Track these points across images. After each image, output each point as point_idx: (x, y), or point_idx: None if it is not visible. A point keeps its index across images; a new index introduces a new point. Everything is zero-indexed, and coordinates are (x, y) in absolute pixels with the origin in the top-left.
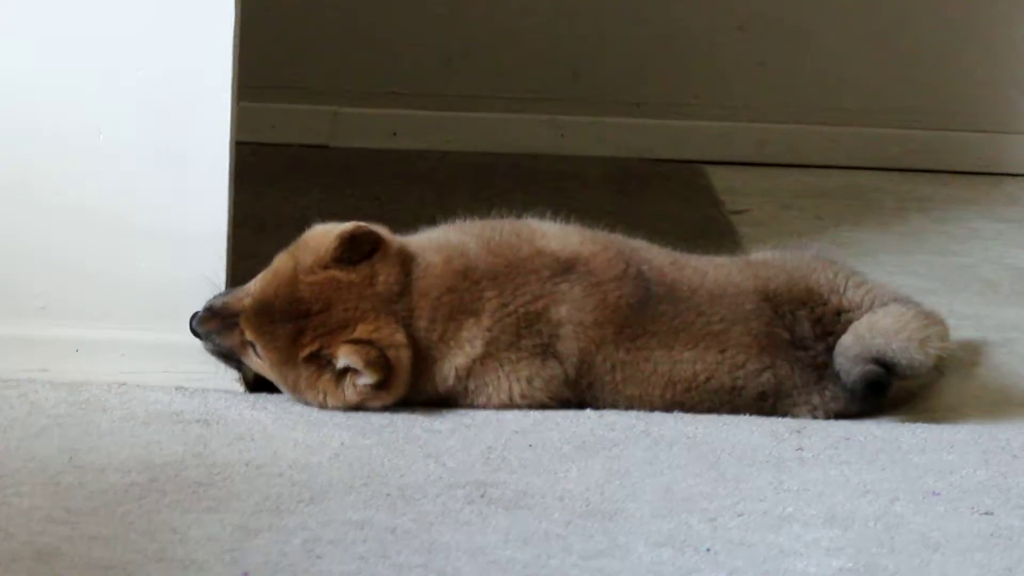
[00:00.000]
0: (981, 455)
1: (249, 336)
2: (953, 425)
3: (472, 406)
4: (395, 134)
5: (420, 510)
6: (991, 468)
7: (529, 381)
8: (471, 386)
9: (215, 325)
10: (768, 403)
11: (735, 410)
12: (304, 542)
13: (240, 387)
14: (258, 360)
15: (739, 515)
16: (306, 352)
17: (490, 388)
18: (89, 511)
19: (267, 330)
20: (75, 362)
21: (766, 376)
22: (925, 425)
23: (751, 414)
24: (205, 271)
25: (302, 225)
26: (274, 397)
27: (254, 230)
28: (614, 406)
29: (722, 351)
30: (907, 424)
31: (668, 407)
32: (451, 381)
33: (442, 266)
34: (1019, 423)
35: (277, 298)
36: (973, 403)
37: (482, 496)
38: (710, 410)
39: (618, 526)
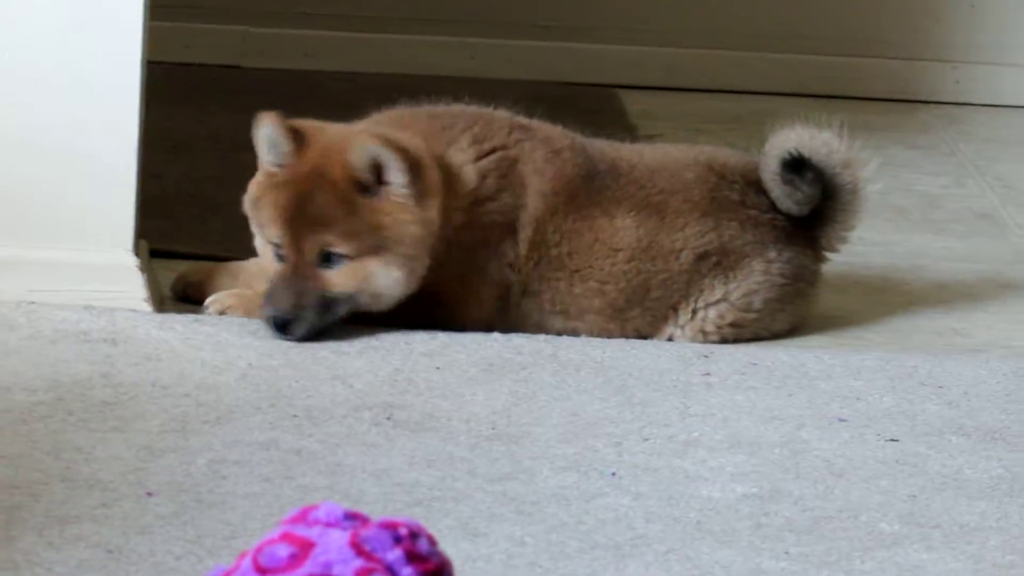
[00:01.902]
0: (888, 382)
1: (312, 240)
2: (860, 352)
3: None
4: (306, 55)
5: (326, 432)
6: (897, 395)
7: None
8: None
9: (291, 298)
10: (710, 262)
11: (672, 277)
12: (209, 463)
13: (148, 306)
14: (341, 253)
15: (645, 440)
16: (347, 183)
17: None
18: None
19: (309, 222)
20: None
21: (709, 237)
22: (832, 351)
23: (690, 278)
24: (114, 190)
25: (213, 145)
26: (182, 317)
27: (164, 150)
28: (553, 294)
29: (662, 218)
30: (814, 350)
31: (608, 284)
32: (474, 182)
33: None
34: (926, 351)
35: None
36: (880, 330)
37: (388, 418)
38: (646, 284)
39: (524, 450)
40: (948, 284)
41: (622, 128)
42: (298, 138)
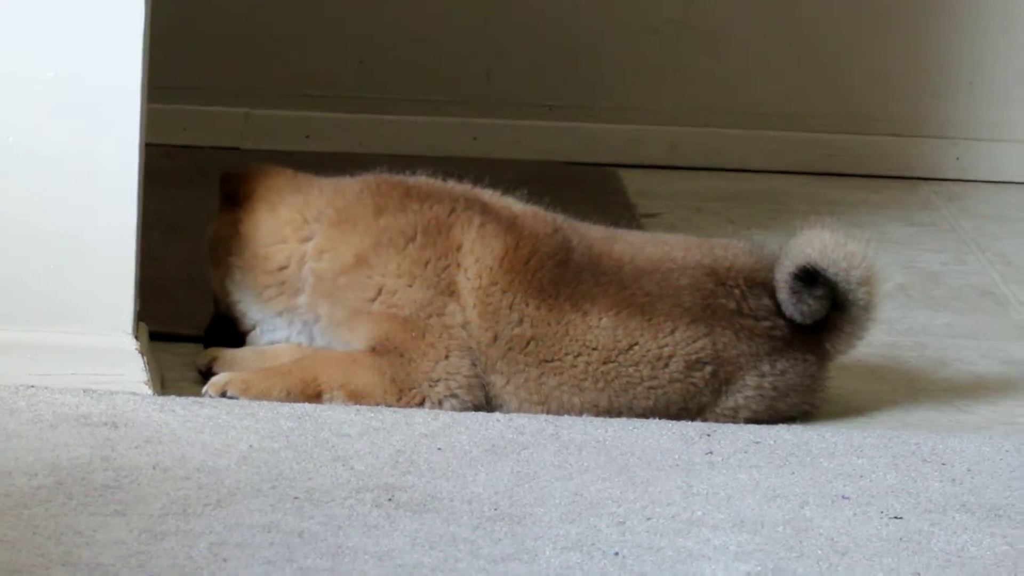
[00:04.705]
0: (891, 459)
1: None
2: (863, 429)
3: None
4: (308, 136)
5: (327, 513)
6: (900, 472)
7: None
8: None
9: None
10: (705, 371)
11: (660, 385)
12: (211, 546)
13: (148, 389)
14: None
15: (648, 519)
16: None
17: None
18: None
19: None
20: None
21: (701, 343)
22: (835, 429)
23: (683, 386)
24: (113, 273)
25: None
26: (182, 400)
27: (164, 233)
28: (526, 382)
29: (647, 320)
30: (816, 428)
31: (586, 381)
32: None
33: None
34: (929, 428)
35: None
36: (883, 407)
37: (390, 500)
38: (628, 386)
39: (526, 530)
40: (950, 361)
41: (622, 207)
42: None
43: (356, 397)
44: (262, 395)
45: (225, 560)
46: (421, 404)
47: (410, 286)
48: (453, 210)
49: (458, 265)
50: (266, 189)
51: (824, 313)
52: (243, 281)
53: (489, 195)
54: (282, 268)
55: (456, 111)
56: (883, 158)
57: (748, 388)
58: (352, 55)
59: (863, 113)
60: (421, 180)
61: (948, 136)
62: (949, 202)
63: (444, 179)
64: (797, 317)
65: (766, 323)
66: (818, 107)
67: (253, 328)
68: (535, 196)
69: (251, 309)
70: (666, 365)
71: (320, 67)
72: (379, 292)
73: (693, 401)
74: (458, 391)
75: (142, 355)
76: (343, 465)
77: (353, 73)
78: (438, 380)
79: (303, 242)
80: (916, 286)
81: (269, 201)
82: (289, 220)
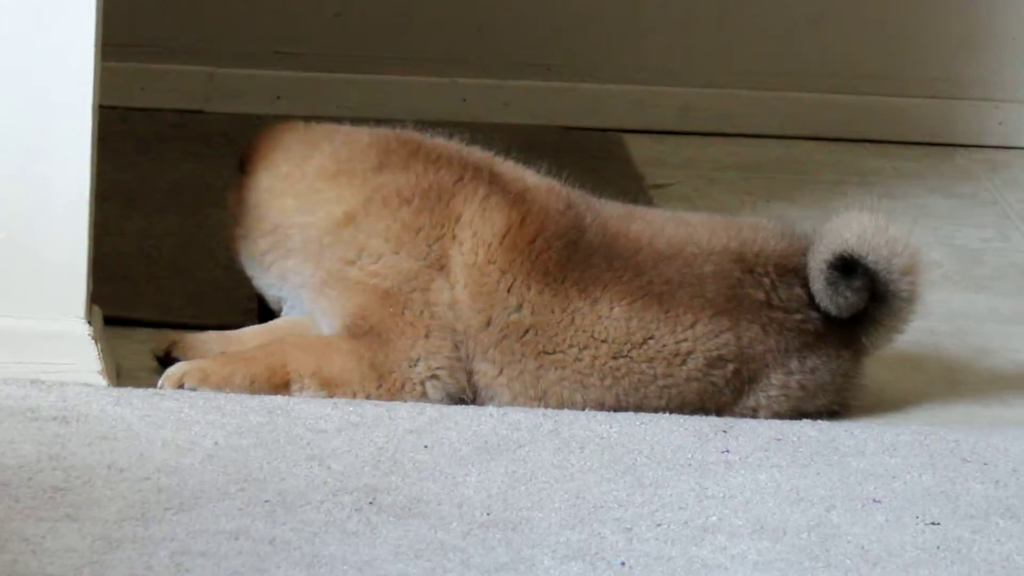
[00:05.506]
0: (927, 459)
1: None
2: (896, 426)
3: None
4: (279, 98)
5: (302, 519)
6: (938, 473)
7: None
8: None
9: None
10: (727, 369)
11: (676, 384)
12: (172, 554)
13: (103, 380)
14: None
15: (657, 525)
16: None
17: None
18: None
19: None
20: None
21: (725, 338)
22: (865, 425)
23: (701, 385)
24: (64, 250)
25: (175, 198)
26: (140, 392)
27: (121, 205)
28: (522, 374)
29: (665, 311)
30: (844, 424)
31: (592, 377)
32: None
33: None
34: (969, 424)
35: None
36: (918, 401)
37: (371, 503)
38: (640, 384)
39: (522, 537)
40: (993, 349)
41: (627, 177)
42: None
43: (330, 385)
44: (223, 384)
45: (188, 571)
46: (402, 389)
47: (396, 253)
48: (461, 178)
49: (453, 237)
50: (271, 148)
51: (862, 305)
52: (246, 250)
53: (505, 165)
54: (275, 227)
55: (443, 70)
56: (918, 122)
57: (773, 387)
58: (327, 7)
59: (895, 72)
60: (438, 142)
61: (990, 98)
62: (992, 172)
63: (467, 144)
64: (832, 310)
65: (797, 316)
66: (845, 65)
67: (279, 305)
68: (530, 166)
69: (263, 282)
70: (684, 362)
71: (292, 21)
72: (360, 254)
73: (711, 401)
74: (439, 372)
75: (96, 342)
76: (319, 465)
77: (328, 27)
78: (417, 359)
79: (296, 197)
80: (955, 265)
81: (272, 159)
82: (287, 175)
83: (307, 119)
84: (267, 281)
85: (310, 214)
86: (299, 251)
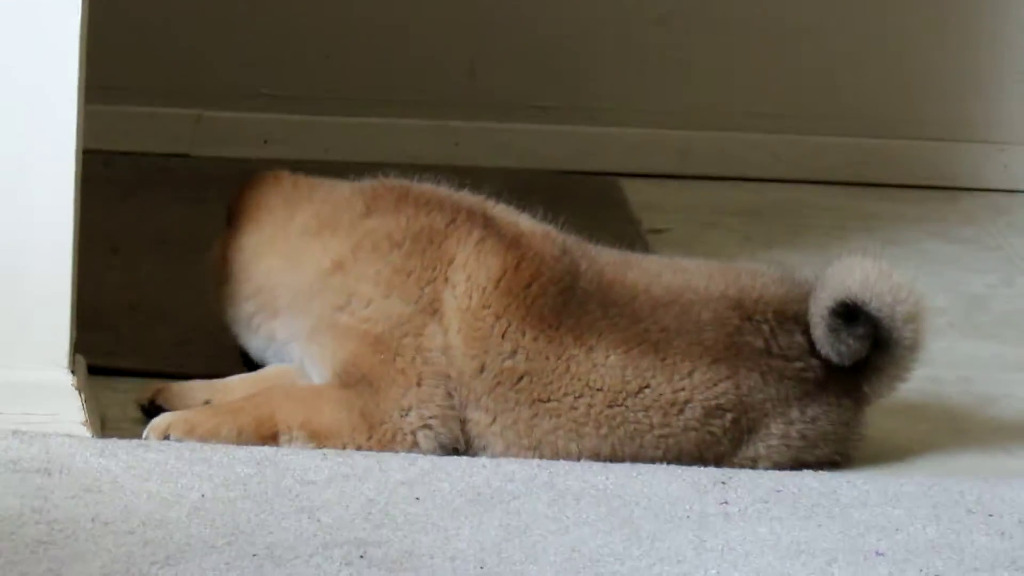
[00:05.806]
0: (931, 510)
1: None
2: (899, 476)
3: None
4: (266, 142)
5: (291, 573)
6: (942, 525)
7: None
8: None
9: None
10: (725, 419)
11: (673, 434)
12: None
13: (86, 431)
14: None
15: None
16: None
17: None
18: None
19: None
20: None
21: (723, 387)
22: (867, 475)
23: (699, 435)
24: (46, 298)
25: (159, 245)
26: (125, 443)
27: (105, 251)
28: (516, 422)
29: (661, 359)
30: (847, 474)
31: (587, 427)
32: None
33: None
34: (975, 474)
35: None
36: (922, 451)
37: (362, 557)
38: (636, 434)
39: None
40: (997, 397)
41: (624, 222)
42: None
43: (319, 437)
44: (209, 436)
45: None
46: (393, 440)
47: (387, 297)
48: (452, 221)
49: (446, 280)
50: (256, 205)
51: (865, 353)
52: (231, 312)
53: (498, 209)
54: (260, 288)
55: (435, 113)
56: (920, 165)
57: (773, 437)
58: (316, 49)
59: (897, 115)
60: (425, 186)
61: (994, 141)
62: (995, 215)
63: (457, 189)
64: (834, 357)
65: (798, 364)
66: (847, 108)
67: (263, 360)
68: (524, 210)
69: (251, 345)
70: (681, 411)
71: (280, 63)
72: (350, 299)
73: (709, 452)
74: (431, 421)
75: (79, 391)
76: (308, 517)
77: (318, 69)
78: (409, 409)
79: (282, 257)
80: (959, 312)
81: (257, 219)
82: (270, 237)
83: (295, 165)
84: (256, 344)
85: (297, 272)
86: (287, 308)
